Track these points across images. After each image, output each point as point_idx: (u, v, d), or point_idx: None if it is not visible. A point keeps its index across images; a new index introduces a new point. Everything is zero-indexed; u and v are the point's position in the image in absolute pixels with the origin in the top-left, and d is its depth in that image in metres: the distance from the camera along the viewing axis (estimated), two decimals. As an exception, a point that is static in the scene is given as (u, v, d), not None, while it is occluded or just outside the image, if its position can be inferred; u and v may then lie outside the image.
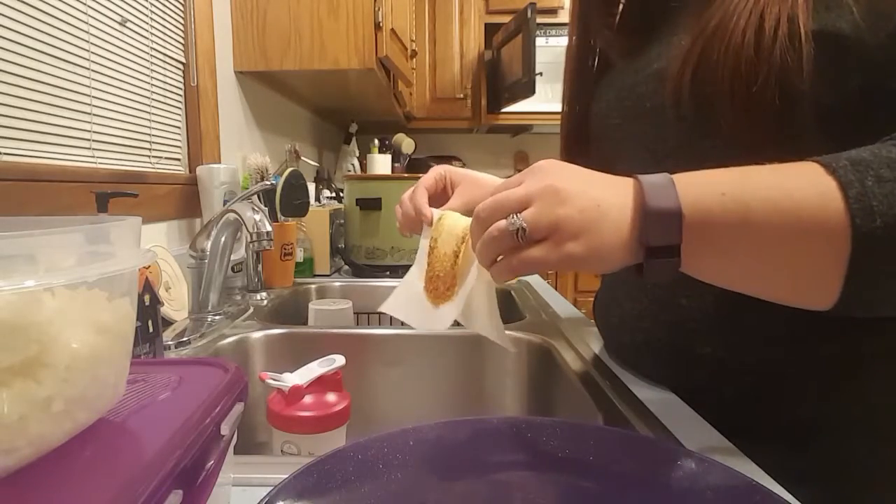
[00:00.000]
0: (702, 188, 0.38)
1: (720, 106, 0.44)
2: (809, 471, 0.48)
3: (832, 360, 0.48)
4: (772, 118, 0.43)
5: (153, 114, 0.98)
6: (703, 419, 0.50)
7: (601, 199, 0.39)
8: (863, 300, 0.38)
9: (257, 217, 0.80)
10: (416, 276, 0.55)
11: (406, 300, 0.54)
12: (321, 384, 0.57)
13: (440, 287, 0.52)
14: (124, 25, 0.89)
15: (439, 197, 0.66)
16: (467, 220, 0.52)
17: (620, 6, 0.63)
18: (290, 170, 1.03)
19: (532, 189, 0.40)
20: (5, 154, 0.66)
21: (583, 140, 0.66)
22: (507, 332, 0.82)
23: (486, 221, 0.42)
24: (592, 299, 0.73)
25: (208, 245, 0.85)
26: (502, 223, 0.40)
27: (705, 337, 0.51)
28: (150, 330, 0.62)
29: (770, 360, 0.49)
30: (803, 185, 0.37)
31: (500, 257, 0.42)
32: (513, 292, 1.12)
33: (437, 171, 0.66)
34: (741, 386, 0.51)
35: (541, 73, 2.28)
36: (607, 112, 0.60)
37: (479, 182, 0.66)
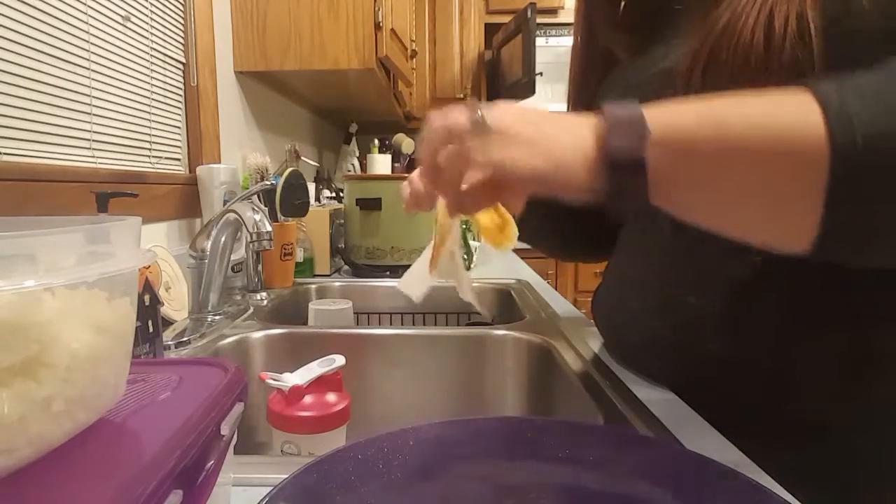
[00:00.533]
0: (673, 107, 0.37)
1: None
2: (815, 468, 0.48)
3: (840, 358, 0.48)
4: None
5: (153, 114, 0.98)
6: (707, 418, 0.50)
7: (563, 115, 0.39)
8: (846, 231, 0.36)
9: (257, 217, 0.80)
10: (426, 253, 0.56)
11: (415, 275, 0.55)
12: (321, 384, 0.57)
13: (435, 255, 0.53)
14: (127, 22, 0.89)
15: None
16: None
17: (622, 4, 0.63)
18: (290, 170, 1.03)
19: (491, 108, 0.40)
20: (5, 154, 0.66)
21: None
22: (507, 332, 0.82)
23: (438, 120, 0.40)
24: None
25: (208, 245, 0.85)
26: (461, 114, 0.38)
27: (713, 335, 0.51)
28: (150, 330, 0.62)
29: (777, 358, 0.49)
30: (784, 103, 0.36)
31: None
32: (513, 292, 1.12)
33: None
34: (747, 384, 0.51)
35: (541, 73, 2.28)
36: None
37: None
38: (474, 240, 1.35)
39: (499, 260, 1.51)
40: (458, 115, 0.39)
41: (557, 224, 0.75)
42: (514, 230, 0.55)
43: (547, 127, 0.39)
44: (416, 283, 0.54)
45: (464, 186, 0.39)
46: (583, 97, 0.67)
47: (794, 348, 0.48)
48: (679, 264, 0.54)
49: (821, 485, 0.47)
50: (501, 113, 0.39)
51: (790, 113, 0.35)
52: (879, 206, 0.35)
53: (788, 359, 0.49)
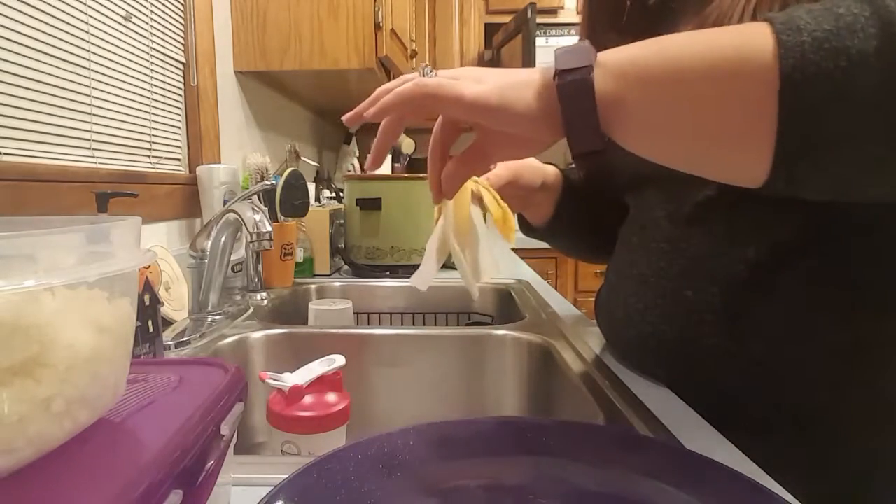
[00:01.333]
0: (624, 46, 0.38)
1: None
2: (816, 461, 0.48)
3: (841, 349, 0.48)
4: None
5: (153, 114, 0.98)
6: (704, 413, 0.50)
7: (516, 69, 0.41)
8: (803, 145, 0.33)
9: (257, 217, 0.80)
10: (433, 241, 0.57)
11: (424, 268, 0.56)
12: (321, 384, 0.57)
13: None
14: (128, 21, 0.89)
15: None
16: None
17: (626, 11, 0.63)
18: (290, 170, 1.03)
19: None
20: (5, 154, 0.66)
21: None
22: (507, 332, 0.82)
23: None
24: (592, 299, 0.73)
25: (208, 245, 0.85)
26: (410, 74, 0.41)
27: (710, 329, 0.51)
28: (150, 330, 0.62)
29: (777, 351, 0.49)
30: (731, 28, 0.36)
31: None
32: (513, 292, 1.12)
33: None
34: (748, 377, 0.51)
35: (541, 73, 2.28)
36: None
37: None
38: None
39: (499, 260, 1.51)
40: (406, 75, 0.41)
41: (583, 221, 0.77)
42: (514, 223, 0.60)
43: (493, 71, 0.40)
44: (423, 275, 0.56)
45: (436, 127, 0.43)
46: None
47: (791, 342, 0.49)
48: (676, 259, 0.54)
49: (818, 478, 0.47)
50: (447, 70, 0.41)
51: (736, 31, 0.35)
52: (835, 109, 0.32)
53: (785, 352, 0.49)
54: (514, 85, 0.38)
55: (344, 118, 0.46)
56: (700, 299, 0.52)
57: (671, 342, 0.55)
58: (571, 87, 0.36)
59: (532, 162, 0.69)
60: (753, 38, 0.33)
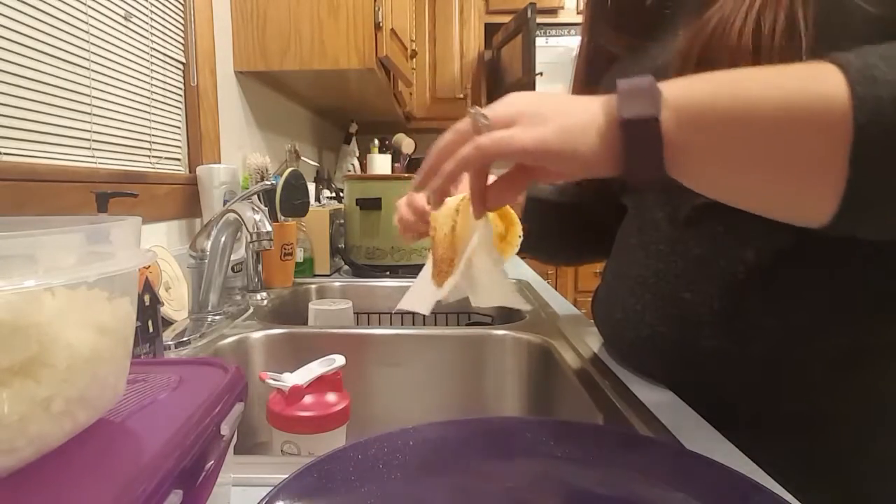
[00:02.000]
0: (687, 79, 0.37)
1: None
2: (816, 462, 0.48)
3: (837, 351, 0.48)
4: None
5: (153, 114, 0.98)
6: (704, 413, 0.50)
7: (567, 96, 0.40)
8: (870, 196, 0.34)
9: (257, 217, 0.80)
10: (427, 269, 0.55)
11: (418, 292, 0.54)
12: (321, 384, 0.57)
13: (444, 268, 0.51)
14: (128, 20, 0.89)
15: None
16: (458, 196, 0.52)
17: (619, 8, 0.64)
18: (290, 170, 1.03)
19: (501, 100, 0.40)
20: (5, 154, 0.66)
21: None
22: (507, 332, 0.82)
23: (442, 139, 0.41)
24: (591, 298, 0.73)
25: (208, 245, 0.85)
26: (461, 121, 0.40)
27: (709, 330, 0.51)
28: (150, 330, 0.62)
29: (777, 351, 0.49)
30: (802, 70, 0.35)
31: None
32: (513, 292, 1.12)
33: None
34: (747, 378, 0.51)
35: (541, 73, 2.28)
36: None
37: None
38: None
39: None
40: (458, 124, 0.40)
41: (552, 227, 0.76)
42: (518, 232, 0.55)
43: (551, 104, 0.38)
44: (421, 298, 0.53)
45: (491, 178, 0.39)
46: (584, 94, 0.67)
47: (790, 343, 0.49)
48: (675, 261, 0.54)
49: (817, 479, 0.47)
50: (498, 105, 0.39)
51: (808, 75, 0.34)
52: None
53: (785, 354, 0.49)
54: (576, 126, 0.37)
55: (413, 186, 0.45)
56: (699, 301, 0.52)
57: (670, 344, 0.55)
58: (639, 137, 0.35)
59: None
60: (826, 86, 0.33)
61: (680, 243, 0.54)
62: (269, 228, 0.80)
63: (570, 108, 0.38)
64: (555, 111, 0.38)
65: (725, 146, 0.35)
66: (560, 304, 1.00)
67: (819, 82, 0.33)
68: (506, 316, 1.12)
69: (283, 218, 1.10)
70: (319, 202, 1.62)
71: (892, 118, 0.31)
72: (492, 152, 0.38)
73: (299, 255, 1.25)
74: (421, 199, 0.61)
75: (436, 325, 1.18)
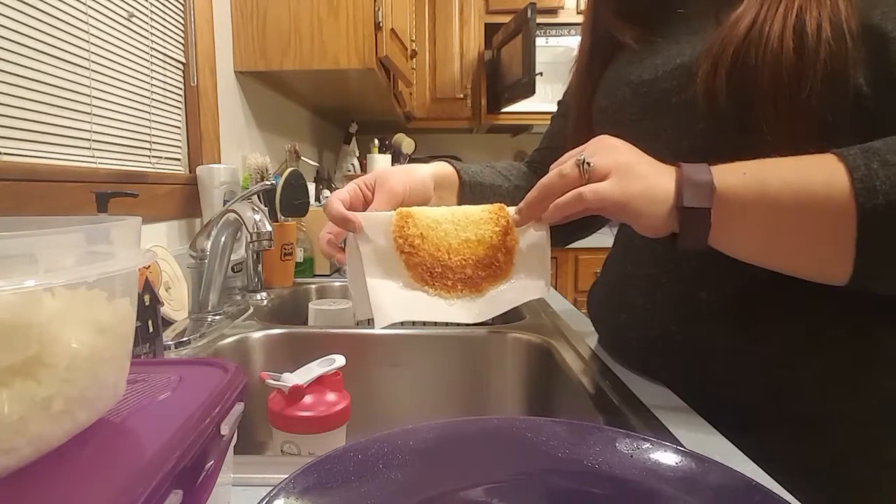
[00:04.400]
0: (728, 168, 0.44)
1: (762, 109, 0.45)
2: (826, 462, 0.48)
3: (849, 352, 0.48)
4: (815, 119, 0.43)
5: (153, 114, 0.98)
6: (713, 413, 0.50)
7: (651, 161, 0.47)
8: (876, 274, 0.41)
9: (257, 217, 0.80)
10: (386, 277, 0.51)
11: (408, 302, 0.51)
12: (321, 384, 0.57)
13: (456, 276, 0.51)
14: (131, 19, 0.89)
15: (364, 207, 0.58)
16: (466, 208, 0.53)
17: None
18: (290, 170, 1.03)
19: (591, 145, 0.48)
20: (5, 154, 0.66)
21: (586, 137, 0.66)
22: (507, 332, 0.82)
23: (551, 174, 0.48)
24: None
25: (208, 245, 0.85)
26: (568, 163, 0.47)
27: (723, 331, 0.51)
28: (150, 330, 0.62)
29: (792, 352, 0.49)
30: (816, 170, 0.41)
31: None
32: (513, 292, 1.12)
33: (349, 185, 0.59)
34: (761, 378, 0.51)
35: (541, 73, 2.28)
36: (621, 108, 0.59)
37: (401, 170, 0.61)
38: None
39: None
40: (564, 168, 0.47)
41: None
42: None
43: (644, 164, 0.46)
44: (407, 306, 0.51)
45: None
46: (587, 85, 0.66)
47: (806, 344, 0.48)
48: (688, 261, 0.54)
49: (824, 479, 0.47)
50: (600, 152, 0.47)
51: (821, 179, 0.40)
52: None
53: (800, 354, 0.49)
54: (657, 196, 0.44)
55: (518, 218, 0.52)
56: (714, 300, 0.52)
57: (680, 343, 0.54)
58: (693, 221, 0.43)
59: (398, 168, 0.62)
60: (834, 194, 0.40)
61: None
62: (269, 228, 0.80)
63: (656, 177, 0.45)
64: (644, 173, 0.45)
65: (753, 228, 0.43)
66: (560, 304, 1.00)
67: (828, 188, 0.40)
68: (506, 316, 1.12)
69: (283, 218, 1.10)
70: (319, 202, 1.62)
71: (889, 223, 0.38)
72: (592, 207, 0.45)
73: (299, 255, 1.25)
74: (341, 207, 0.54)
75: (436, 325, 1.18)
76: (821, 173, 0.40)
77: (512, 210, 0.52)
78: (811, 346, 0.48)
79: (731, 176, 0.43)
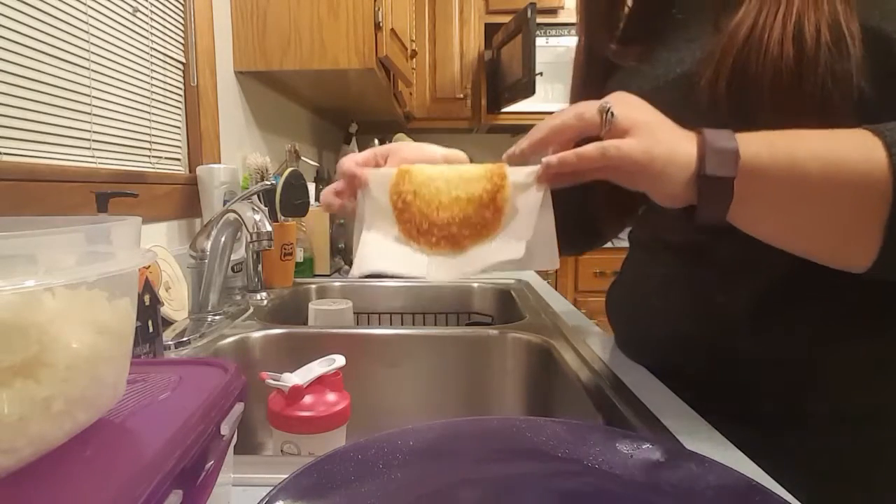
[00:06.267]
0: (754, 137, 0.41)
1: (761, 115, 0.44)
2: (842, 462, 0.48)
3: (869, 355, 0.48)
4: (817, 124, 0.43)
5: (153, 114, 0.98)
6: (731, 414, 0.50)
7: (672, 124, 0.43)
8: None
9: (257, 217, 0.80)
10: (380, 231, 0.52)
11: (389, 253, 0.52)
12: (321, 384, 0.57)
13: (441, 233, 0.50)
14: (135, 14, 0.89)
15: None
16: (467, 166, 0.52)
17: (622, 21, 0.62)
18: (290, 170, 1.03)
19: (614, 97, 0.44)
20: (5, 154, 0.66)
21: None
22: (507, 332, 0.82)
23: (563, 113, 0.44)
24: (592, 299, 0.73)
25: (208, 245, 0.85)
26: (590, 108, 0.43)
27: (742, 333, 0.51)
28: (150, 330, 0.62)
29: (810, 353, 0.49)
30: (850, 142, 0.39)
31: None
32: (513, 292, 1.12)
33: (366, 151, 0.59)
34: (778, 379, 0.50)
35: (541, 73, 2.28)
36: None
37: (416, 145, 0.60)
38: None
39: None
40: (587, 106, 0.43)
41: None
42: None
43: (667, 126, 0.43)
44: (394, 258, 0.52)
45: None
46: (584, 97, 0.66)
47: (824, 345, 0.48)
48: (704, 263, 0.54)
49: (839, 480, 0.47)
50: (622, 106, 0.43)
51: (856, 150, 0.38)
52: None
53: (818, 356, 0.49)
54: (677, 164, 0.41)
55: (513, 153, 0.48)
56: (732, 304, 0.51)
57: (698, 345, 0.54)
58: (715, 191, 0.41)
59: (422, 145, 0.61)
60: (869, 165, 0.38)
61: (710, 245, 0.53)
62: (269, 228, 0.80)
63: (678, 141, 0.42)
64: (667, 136, 0.42)
65: (776, 202, 0.41)
66: (560, 304, 1.00)
67: (863, 159, 0.38)
68: (506, 316, 1.12)
69: (283, 218, 1.10)
70: (319, 202, 1.62)
71: None
72: (611, 165, 0.42)
73: (299, 255, 1.25)
74: (352, 162, 0.56)
75: (436, 325, 1.18)
76: (855, 149, 0.38)
77: (513, 169, 0.49)
78: (829, 349, 0.48)
79: (758, 145, 0.40)
